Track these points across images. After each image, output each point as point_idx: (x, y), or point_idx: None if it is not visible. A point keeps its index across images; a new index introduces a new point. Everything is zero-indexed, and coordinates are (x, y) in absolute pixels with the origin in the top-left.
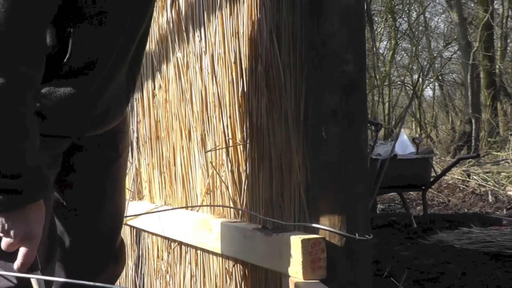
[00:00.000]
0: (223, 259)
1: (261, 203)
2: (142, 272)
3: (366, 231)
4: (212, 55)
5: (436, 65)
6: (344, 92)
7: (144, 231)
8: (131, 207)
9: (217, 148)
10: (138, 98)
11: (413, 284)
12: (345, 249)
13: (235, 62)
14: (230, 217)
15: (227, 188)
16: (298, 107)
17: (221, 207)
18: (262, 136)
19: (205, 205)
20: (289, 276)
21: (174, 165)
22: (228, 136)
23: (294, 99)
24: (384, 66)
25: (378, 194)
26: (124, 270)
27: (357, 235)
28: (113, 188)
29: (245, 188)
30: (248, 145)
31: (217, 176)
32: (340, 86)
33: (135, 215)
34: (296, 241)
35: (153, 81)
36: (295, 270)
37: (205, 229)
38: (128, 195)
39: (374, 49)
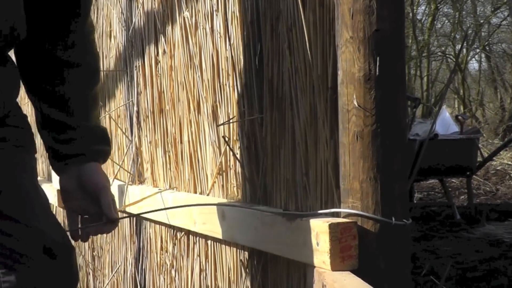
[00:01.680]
0: (238, 250)
1: (282, 184)
2: (143, 267)
3: (404, 215)
4: (225, 14)
5: (482, 34)
6: (380, 54)
7: (147, 219)
8: (130, 192)
9: (231, 121)
10: (139, 65)
11: (456, 284)
12: (380, 235)
13: (251, 22)
14: (247, 201)
15: (243, 167)
16: (326, 72)
17: (235, 189)
18: (283, 106)
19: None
20: (315, 267)
21: (181, 142)
22: (243, 107)
23: (321, 63)
24: (423, 34)
25: (416, 181)
26: (123, 265)
27: (393, 219)
28: None
29: (264, 167)
30: (267, 117)
31: (231, 153)
32: (374, 47)
33: (135, 201)
34: (323, 227)
35: (156, 45)
36: (322, 260)
37: (217, 215)
38: (127, 178)
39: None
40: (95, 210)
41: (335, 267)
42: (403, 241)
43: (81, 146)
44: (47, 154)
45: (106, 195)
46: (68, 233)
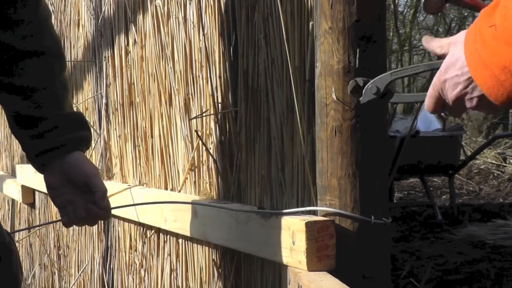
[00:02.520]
0: (210, 249)
1: (257, 180)
2: (111, 267)
3: (384, 214)
4: (199, 3)
5: (466, 27)
6: (360, 45)
7: (114, 217)
8: None
9: (204, 114)
10: (108, 56)
11: (436, 287)
12: (359, 234)
13: (226, 11)
14: (220, 198)
15: (216, 163)
16: (303, 64)
17: (208, 185)
18: (258, 99)
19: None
20: (290, 267)
21: (151, 136)
22: (217, 100)
23: (298, 55)
24: (404, 27)
25: (396, 180)
26: (90, 264)
27: (373, 218)
28: None
29: (238, 162)
30: (241, 110)
31: (204, 148)
32: (354, 38)
33: None
34: (299, 225)
35: (126, 35)
36: (298, 260)
37: (189, 212)
38: None
39: (392, 6)
40: (87, 202)
41: (311, 267)
42: (383, 241)
43: (57, 138)
44: (25, 155)
45: (98, 183)
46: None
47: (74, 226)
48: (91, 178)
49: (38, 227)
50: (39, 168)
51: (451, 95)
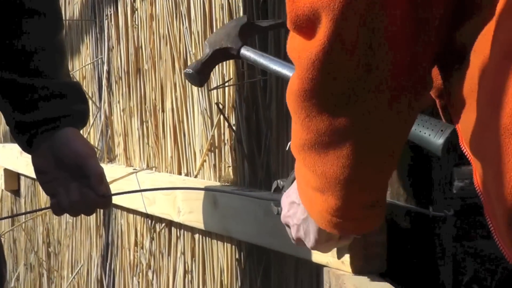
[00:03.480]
0: (233, 246)
1: (290, 164)
2: (112, 267)
3: (443, 205)
4: None
5: None
6: None
7: (116, 207)
8: None
9: (227, 84)
10: (111, 14)
11: None
12: (414, 229)
13: None
14: (245, 184)
15: (240, 143)
16: None
17: (230, 169)
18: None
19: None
20: (331, 269)
21: (162, 110)
22: (242, 67)
23: None
24: None
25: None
26: (86, 265)
27: (431, 209)
28: None
29: (267, 142)
30: (272, 79)
31: (226, 124)
32: None
33: None
34: None
35: None
36: (341, 260)
37: (207, 202)
38: None
39: None
40: (83, 187)
41: (357, 268)
42: (443, 238)
43: (48, 110)
44: (9, 130)
45: (93, 165)
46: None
47: (67, 217)
48: (85, 159)
49: (22, 215)
50: (26, 147)
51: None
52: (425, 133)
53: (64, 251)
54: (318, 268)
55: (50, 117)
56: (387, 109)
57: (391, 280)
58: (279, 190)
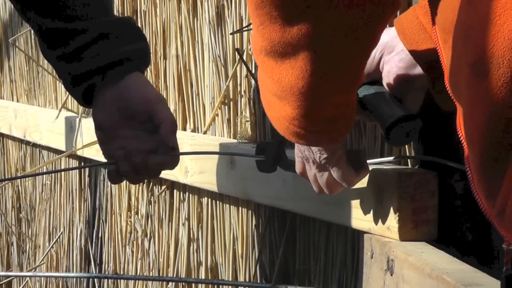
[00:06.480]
0: (250, 211)
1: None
2: (100, 235)
3: None
4: None
5: None
6: None
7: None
8: (85, 128)
9: (245, 28)
10: None
11: None
12: (469, 193)
13: None
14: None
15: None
16: None
17: (248, 124)
18: None
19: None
20: (374, 235)
21: (164, 57)
22: None
23: None
24: None
25: None
26: (66, 232)
27: None
28: None
29: None
30: None
31: (245, 74)
32: None
33: (93, 142)
34: (388, 179)
35: None
36: (386, 226)
37: (222, 161)
38: (80, 108)
39: None
40: (150, 141)
41: (404, 235)
42: None
43: (107, 53)
44: (63, 84)
45: (165, 111)
46: None
47: (45, 179)
48: (156, 105)
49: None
50: (83, 101)
51: None
52: (383, 111)
53: (40, 216)
54: (354, 236)
55: (109, 61)
56: (341, 21)
57: (443, 249)
58: (262, 152)
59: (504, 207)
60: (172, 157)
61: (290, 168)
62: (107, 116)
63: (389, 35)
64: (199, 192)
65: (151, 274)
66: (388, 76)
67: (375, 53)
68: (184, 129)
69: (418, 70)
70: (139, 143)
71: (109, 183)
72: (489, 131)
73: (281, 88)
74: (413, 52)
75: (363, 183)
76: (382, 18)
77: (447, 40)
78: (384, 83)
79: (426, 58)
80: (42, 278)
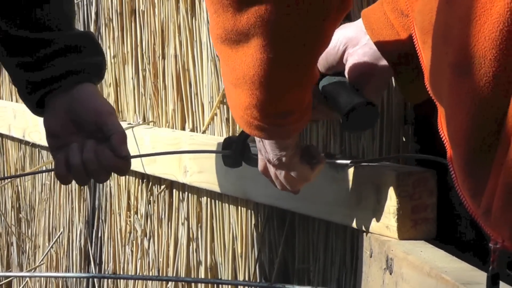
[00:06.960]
0: (249, 211)
1: None
2: (99, 235)
3: None
4: None
5: None
6: None
7: None
8: None
9: None
10: None
11: None
12: None
13: None
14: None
15: None
16: None
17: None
18: None
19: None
20: (373, 234)
21: (163, 57)
22: None
23: None
24: None
25: None
26: (66, 232)
27: None
28: None
29: None
30: None
31: None
32: None
33: None
34: (387, 178)
35: None
36: (385, 224)
37: (219, 160)
38: None
39: None
40: (97, 145)
41: (403, 234)
42: None
43: (64, 64)
44: (16, 90)
45: (114, 123)
46: None
47: (44, 179)
48: (106, 117)
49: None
50: (36, 108)
51: None
52: (341, 98)
53: (39, 216)
54: (353, 235)
55: (64, 71)
56: (288, 11)
57: (442, 247)
58: (228, 147)
59: (490, 207)
60: (123, 162)
61: (254, 163)
62: (59, 123)
63: (353, 29)
64: (198, 191)
65: (150, 274)
66: (351, 68)
67: (339, 46)
68: (183, 128)
69: (382, 63)
70: (90, 142)
71: (109, 182)
72: (472, 131)
73: (235, 76)
74: (380, 47)
75: (362, 182)
76: (329, 14)
77: (426, 41)
78: (347, 75)
79: (393, 53)
80: (42, 278)
